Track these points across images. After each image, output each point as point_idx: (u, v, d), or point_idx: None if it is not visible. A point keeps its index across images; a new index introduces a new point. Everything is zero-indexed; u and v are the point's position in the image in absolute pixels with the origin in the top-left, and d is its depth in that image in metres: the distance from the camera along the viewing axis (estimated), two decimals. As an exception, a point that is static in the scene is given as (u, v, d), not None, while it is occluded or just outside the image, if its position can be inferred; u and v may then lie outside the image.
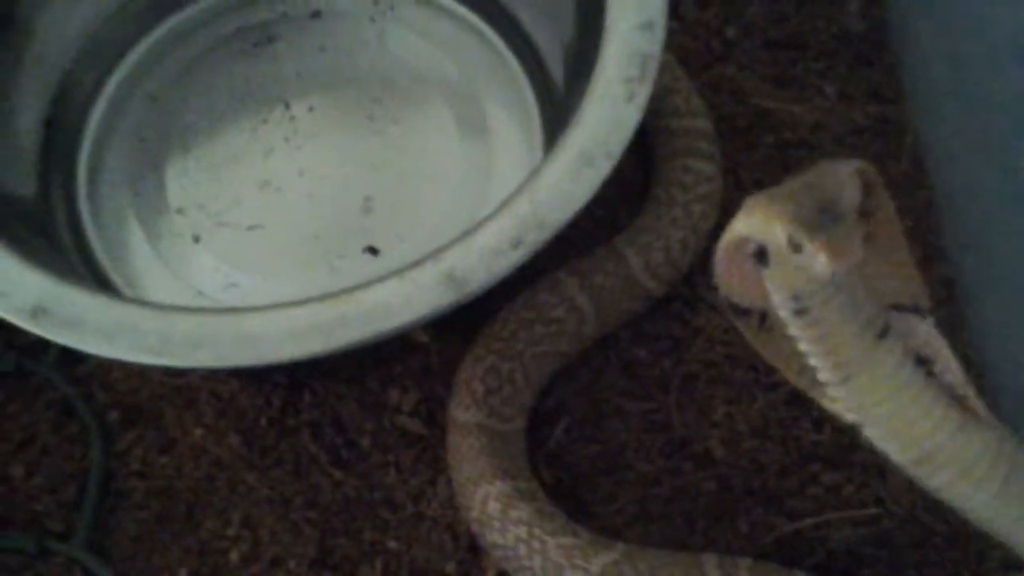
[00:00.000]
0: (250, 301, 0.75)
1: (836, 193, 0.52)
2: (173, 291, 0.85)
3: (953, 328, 0.81)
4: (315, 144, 0.90)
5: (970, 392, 0.58)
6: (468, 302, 0.69)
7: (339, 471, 0.80)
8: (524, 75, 0.92)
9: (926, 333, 0.58)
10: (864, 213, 0.55)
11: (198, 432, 0.81)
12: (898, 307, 0.58)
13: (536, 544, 0.71)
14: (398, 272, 0.68)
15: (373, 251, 0.85)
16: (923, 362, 0.58)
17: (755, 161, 0.88)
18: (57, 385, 0.83)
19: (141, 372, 0.83)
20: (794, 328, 0.57)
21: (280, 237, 0.87)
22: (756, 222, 0.53)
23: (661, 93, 0.86)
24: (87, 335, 0.67)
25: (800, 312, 0.56)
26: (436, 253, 0.69)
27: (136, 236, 0.87)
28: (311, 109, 0.91)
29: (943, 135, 0.87)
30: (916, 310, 0.59)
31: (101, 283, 0.84)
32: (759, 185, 0.87)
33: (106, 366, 0.84)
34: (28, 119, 0.87)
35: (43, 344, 0.84)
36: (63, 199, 0.88)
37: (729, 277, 0.60)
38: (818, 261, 0.51)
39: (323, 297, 0.68)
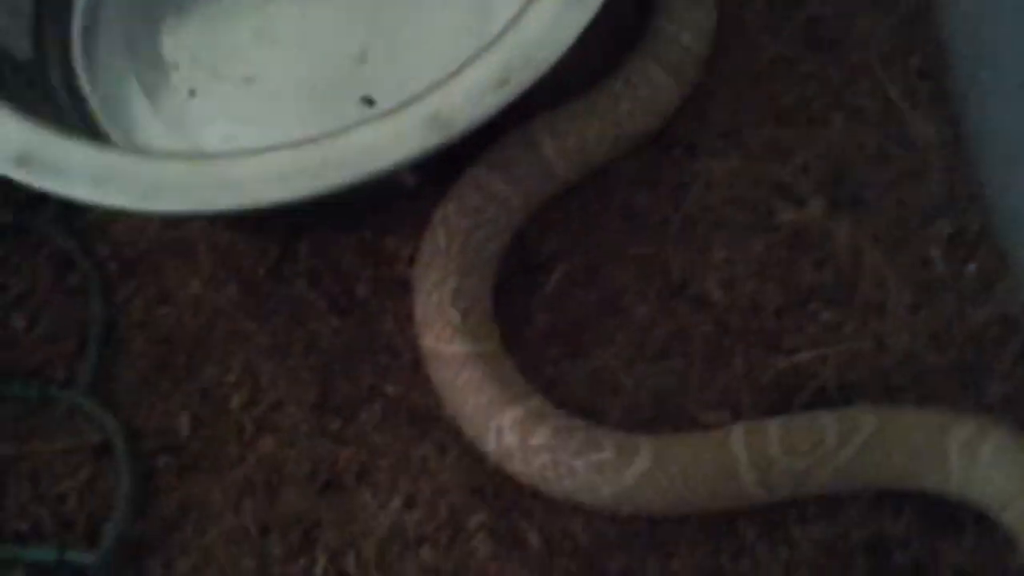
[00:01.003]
0: (248, 150, 0.75)
1: None
2: (170, 145, 0.85)
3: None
4: (313, -8, 0.89)
5: None
6: (457, 143, 0.68)
7: (337, 318, 0.80)
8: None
9: None
10: None
11: (197, 282, 0.82)
12: None
13: (563, 469, 0.70)
14: (383, 114, 0.68)
15: (369, 101, 0.84)
16: None
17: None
18: (56, 239, 0.83)
19: (139, 225, 0.84)
20: None
21: (276, 88, 0.86)
22: None
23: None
24: (74, 182, 0.68)
25: None
26: (422, 94, 0.69)
27: (133, 92, 0.87)
28: (309, -42, 0.90)
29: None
30: None
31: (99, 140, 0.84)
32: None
33: (105, 219, 0.84)
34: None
35: (42, 198, 0.84)
36: (59, 59, 0.88)
37: None
38: None
39: (309, 140, 0.68)
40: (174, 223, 0.83)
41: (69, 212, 0.84)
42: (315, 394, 0.78)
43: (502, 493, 0.74)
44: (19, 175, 0.68)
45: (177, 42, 0.88)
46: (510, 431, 0.71)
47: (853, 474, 0.69)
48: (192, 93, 0.86)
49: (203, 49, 0.87)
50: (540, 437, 0.70)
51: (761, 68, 0.85)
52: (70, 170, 0.68)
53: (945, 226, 0.79)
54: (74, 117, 0.84)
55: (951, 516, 0.71)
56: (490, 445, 0.72)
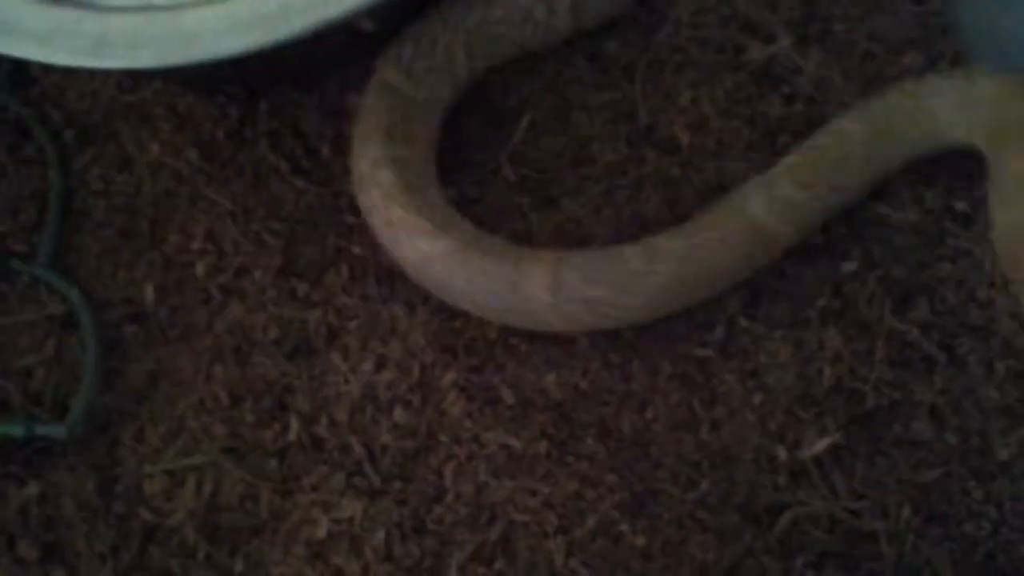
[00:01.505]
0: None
1: None
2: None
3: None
4: None
5: None
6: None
7: (300, 180, 0.78)
8: None
9: None
10: None
11: (155, 148, 0.80)
12: None
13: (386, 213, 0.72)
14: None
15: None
16: None
17: None
18: (9, 107, 0.81)
19: (94, 90, 0.81)
20: None
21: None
22: None
23: None
24: (21, 40, 0.65)
25: None
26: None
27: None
28: None
29: None
30: None
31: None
32: None
33: (59, 85, 0.82)
34: None
35: (-8, 67, 0.82)
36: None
37: None
38: None
39: (262, -12, 0.65)
40: (130, 87, 0.81)
41: (22, 79, 0.82)
42: (280, 258, 0.77)
43: (473, 350, 0.73)
44: (-39, 34, 0.65)
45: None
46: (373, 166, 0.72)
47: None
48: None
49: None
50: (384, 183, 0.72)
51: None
52: (17, 28, 0.65)
53: (916, 57, 0.77)
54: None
55: (923, 358, 0.71)
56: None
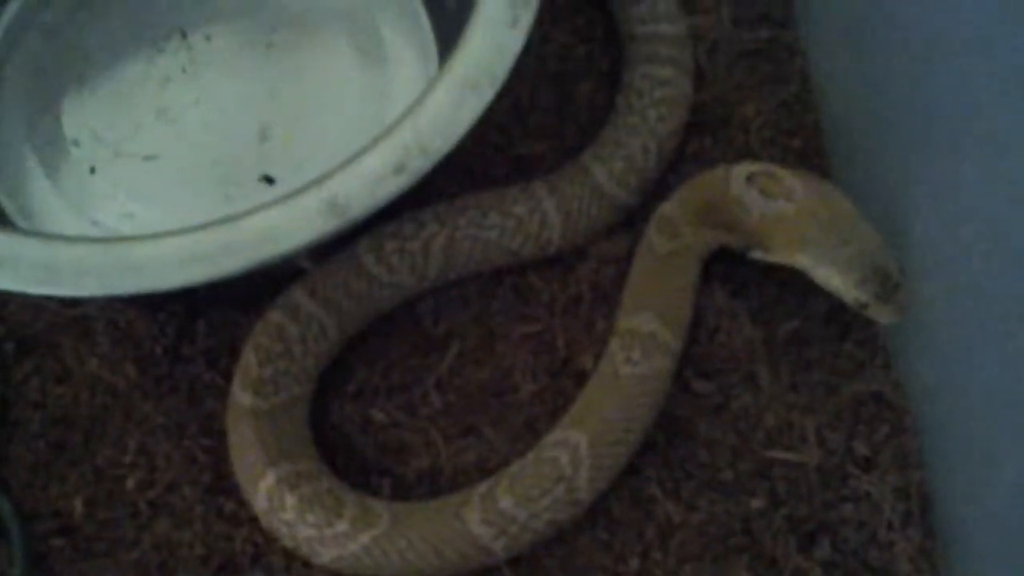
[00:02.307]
0: (146, 231, 0.75)
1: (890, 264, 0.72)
2: (69, 222, 0.85)
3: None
4: (212, 73, 0.91)
5: None
6: (351, 228, 0.70)
7: (235, 397, 0.80)
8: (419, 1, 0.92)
9: None
10: None
11: (94, 361, 0.82)
12: None
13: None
14: (281, 199, 0.69)
15: (269, 180, 0.86)
16: None
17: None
18: (-49, 319, 0.83)
19: (36, 303, 0.84)
20: None
21: (177, 167, 0.87)
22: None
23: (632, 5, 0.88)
24: (-32, 265, 0.67)
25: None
26: (319, 180, 0.70)
27: (32, 167, 0.88)
28: (208, 38, 0.92)
29: (830, 60, 0.88)
30: None
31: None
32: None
33: (2, 298, 0.84)
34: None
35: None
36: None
37: None
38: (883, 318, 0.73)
39: (208, 225, 0.69)
40: (72, 303, 0.83)
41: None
42: (210, 475, 0.79)
43: None
44: (-89, 260, 0.67)
45: (78, 119, 0.89)
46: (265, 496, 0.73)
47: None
48: (92, 170, 0.87)
49: (104, 127, 0.88)
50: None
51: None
52: (-35, 253, 0.68)
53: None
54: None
55: None
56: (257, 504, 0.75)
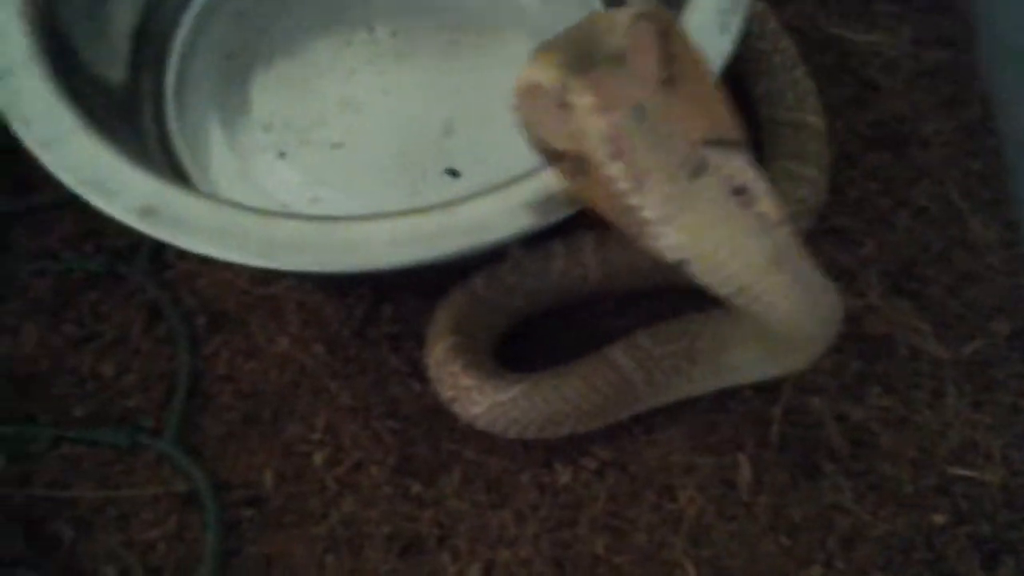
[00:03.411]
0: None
1: (603, 39, 0.56)
2: (258, 204, 0.86)
3: (1016, 271, 0.84)
4: (397, 67, 0.92)
5: (785, 219, 0.61)
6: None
7: (418, 383, 0.82)
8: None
9: (741, 164, 0.61)
10: (666, 58, 0.58)
11: (284, 340, 0.84)
12: (711, 143, 0.60)
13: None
14: (499, 188, 0.70)
15: (454, 173, 0.87)
16: (740, 192, 0.61)
17: (832, 98, 0.90)
18: (147, 288, 0.85)
19: (227, 280, 0.86)
20: (610, 170, 0.59)
21: (363, 155, 0.89)
22: (537, 67, 0.56)
23: (774, 87, 0.87)
24: (196, 236, 0.69)
25: (613, 155, 0.57)
26: (535, 172, 0.71)
27: (222, 150, 0.90)
28: (394, 33, 0.93)
29: (1010, 85, 0.89)
30: (729, 144, 0.61)
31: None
32: (833, 127, 0.88)
33: (193, 272, 0.86)
34: (122, 27, 0.89)
35: (133, 248, 0.86)
36: (153, 117, 0.90)
37: (536, 124, 0.62)
38: (583, 101, 0.55)
39: (426, 209, 0.70)
40: (263, 280, 0.85)
41: (160, 262, 0.86)
42: (396, 457, 0.80)
43: (580, 565, 0.76)
44: (143, 226, 0.69)
45: (268, 105, 0.91)
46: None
47: None
48: (281, 155, 0.88)
49: (293, 113, 0.90)
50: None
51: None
52: (192, 225, 0.69)
53: (1004, 324, 0.82)
54: (166, 169, 0.86)
55: None
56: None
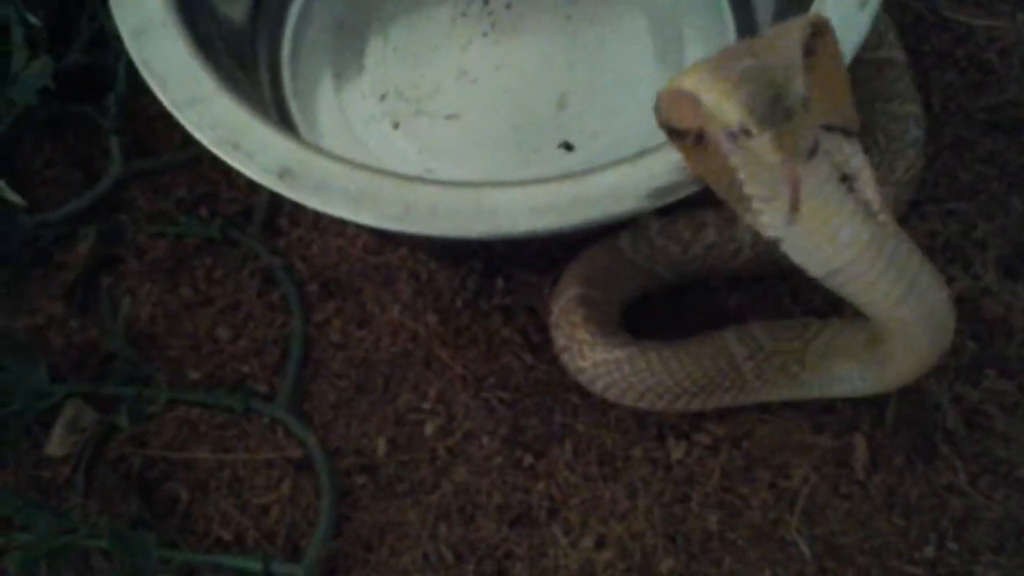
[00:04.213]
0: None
1: (788, 80, 0.54)
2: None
3: None
4: (512, 39, 0.92)
5: (886, 209, 0.61)
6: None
7: (530, 355, 0.82)
8: (728, 7, 0.93)
9: (852, 152, 0.61)
10: (810, 52, 0.58)
11: (396, 308, 0.84)
12: (829, 127, 0.60)
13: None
14: (632, 159, 0.70)
15: (568, 147, 0.87)
16: (846, 179, 0.61)
17: (946, 82, 0.89)
18: (260, 255, 0.85)
19: (339, 248, 0.86)
20: (728, 149, 0.59)
21: (477, 127, 0.89)
22: (711, 98, 0.55)
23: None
24: (333, 199, 0.69)
25: (735, 138, 0.56)
26: (664, 145, 0.70)
27: (337, 119, 0.90)
28: (508, 6, 0.93)
29: None
30: (845, 131, 0.61)
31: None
32: (947, 110, 0.88)
33: (305, 240, 0.87)
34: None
35: (246, 214, 0.87)
36: (271, 83, 0.90)
37: (669, 109, 0.62)
38: (767, 152, 0.54)
39: (560, 177, 0.70)
40: (376, 249, 0.85)
41: (272, 229, 0.86)
42: (507, 428, 0.80)
43: (692, 540, 0.76)
44: (281, 188, 0.69)
45: (382, 76, 0.91)
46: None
47: None
48: (396, 125, 0.88)
49: (407, 85, 0.90)
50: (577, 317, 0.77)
51: (940, 147, 0.87)
52: (329, 188, 0.69)
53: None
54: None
55: None
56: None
